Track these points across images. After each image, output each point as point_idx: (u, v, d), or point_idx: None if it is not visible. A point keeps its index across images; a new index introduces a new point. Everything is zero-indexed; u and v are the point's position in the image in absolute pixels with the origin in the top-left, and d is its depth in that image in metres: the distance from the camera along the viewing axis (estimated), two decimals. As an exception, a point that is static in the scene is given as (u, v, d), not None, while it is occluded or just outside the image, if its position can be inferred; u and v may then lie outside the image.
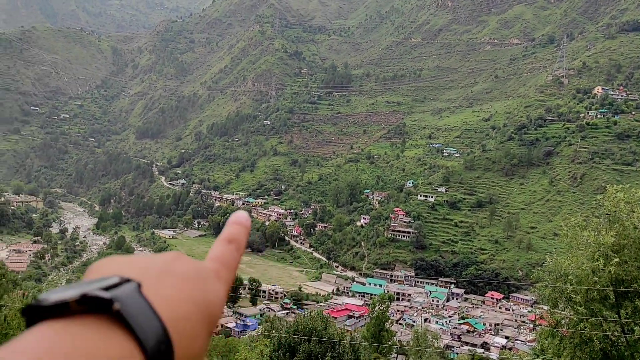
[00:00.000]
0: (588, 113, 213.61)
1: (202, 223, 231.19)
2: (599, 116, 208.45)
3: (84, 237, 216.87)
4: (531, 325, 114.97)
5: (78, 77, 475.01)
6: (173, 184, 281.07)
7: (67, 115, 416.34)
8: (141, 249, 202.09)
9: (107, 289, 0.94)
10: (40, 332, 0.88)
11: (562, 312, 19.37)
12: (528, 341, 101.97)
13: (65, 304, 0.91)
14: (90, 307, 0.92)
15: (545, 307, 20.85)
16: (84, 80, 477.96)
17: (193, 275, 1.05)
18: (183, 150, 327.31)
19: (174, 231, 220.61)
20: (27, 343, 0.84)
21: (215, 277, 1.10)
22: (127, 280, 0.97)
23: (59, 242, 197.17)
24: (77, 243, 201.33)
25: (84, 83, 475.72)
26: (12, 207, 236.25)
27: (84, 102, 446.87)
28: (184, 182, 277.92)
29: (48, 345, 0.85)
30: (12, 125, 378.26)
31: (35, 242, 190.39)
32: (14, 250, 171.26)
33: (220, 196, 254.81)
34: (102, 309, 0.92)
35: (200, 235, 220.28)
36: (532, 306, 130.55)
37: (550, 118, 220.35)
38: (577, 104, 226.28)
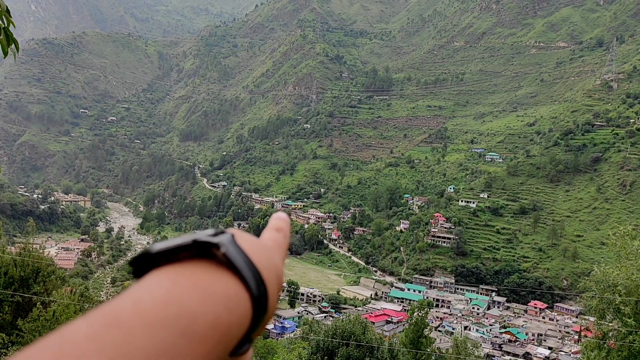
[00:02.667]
0: (639, 118, 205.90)
1: (242, 225, 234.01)
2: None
3: (129, 236, 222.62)
4: (576, 337, 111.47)
5: (125, 81, 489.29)
6: (215, 186, 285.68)
7: (115, 118, 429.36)
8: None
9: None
10: (157, 276, 0.98)
11: (610, 324, 18.78)
12: (572, 353, 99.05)
13: (173, 252, 1.02)
14: (196, 253, 1.03)
15: (592, 318, 20.26)
16: (130, 83, 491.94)
17: (260, 243, 1.19)
18: (225, 153, 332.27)
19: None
20: (146, 287, 0.93)
21: (275, 252, 1.24)
22: (222, 232, 1.09)
23: (105, 240, 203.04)
24: (122, 242, 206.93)
25: (130, 87, 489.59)
26: (62, 206, 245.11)
27: (130, 105, 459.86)
28: (225, 184, 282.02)
29: (168, 285, 0.94)
30: (63, 127, 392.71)
31: (82, 240, 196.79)
32: (63, 248, 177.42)
33: (260, 199, 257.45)
34: (207, 254, 1.04)
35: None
36: (577, 317, 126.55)
37: (598, 123, 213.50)
38: (627, 109, 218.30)
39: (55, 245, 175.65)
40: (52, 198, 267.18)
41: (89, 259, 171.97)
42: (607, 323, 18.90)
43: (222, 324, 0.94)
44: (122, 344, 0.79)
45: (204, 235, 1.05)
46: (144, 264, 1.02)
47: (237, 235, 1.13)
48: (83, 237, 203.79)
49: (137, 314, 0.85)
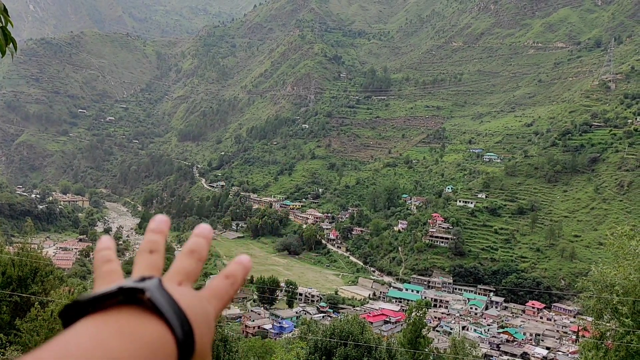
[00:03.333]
0: (636, 119, 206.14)
1: (240, 225, 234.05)
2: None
3: (127, 236, 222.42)
4: (574, 337, 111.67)
5: (124, 81, 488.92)
6: (213, 186, 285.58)
7: (113, 118, 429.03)
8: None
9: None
10: (83, 324, 1.03)
11: (607, 324, 18.83)
12: (570, 353, 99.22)
13: (100, 300, 1.08)
14: (122, 300, 1.10)
15: (589, 318, 20.30)
16: (129, 84, 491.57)
17: (193, 292, 1.26)
18: (223, 153, 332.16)
19: (213, 232, 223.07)
20: (74, 334, 0.98)
21: (207, 301, 1.28)
22: (149, 278, 1.17)
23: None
24: (120, 242, 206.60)
25: (129, 87, 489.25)
26: (60, 206, 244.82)
27: (129, 105, 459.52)
28: (224, 184, 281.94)
29: (93, 332, 0.99)
30: (61, 127, 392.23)
31: (80, 240, 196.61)
32: (61, 247, 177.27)
33: (258, 199, 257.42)
34: (132, 300, 1.10)
35: (238, 237, 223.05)
36: (575, 317, 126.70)
37: (596, 124, 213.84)
38: (625, 110, 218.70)
39: (54, 245, 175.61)
40: (50, 198, 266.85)
41: (87, 259, 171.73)
42: (604, 323, 18.94)
43: None
44: None
45: (130, 281, 1.13)
46: (73, 314, 1.07)
47: (166, 281, 1.22)
48: (81, 237, 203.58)
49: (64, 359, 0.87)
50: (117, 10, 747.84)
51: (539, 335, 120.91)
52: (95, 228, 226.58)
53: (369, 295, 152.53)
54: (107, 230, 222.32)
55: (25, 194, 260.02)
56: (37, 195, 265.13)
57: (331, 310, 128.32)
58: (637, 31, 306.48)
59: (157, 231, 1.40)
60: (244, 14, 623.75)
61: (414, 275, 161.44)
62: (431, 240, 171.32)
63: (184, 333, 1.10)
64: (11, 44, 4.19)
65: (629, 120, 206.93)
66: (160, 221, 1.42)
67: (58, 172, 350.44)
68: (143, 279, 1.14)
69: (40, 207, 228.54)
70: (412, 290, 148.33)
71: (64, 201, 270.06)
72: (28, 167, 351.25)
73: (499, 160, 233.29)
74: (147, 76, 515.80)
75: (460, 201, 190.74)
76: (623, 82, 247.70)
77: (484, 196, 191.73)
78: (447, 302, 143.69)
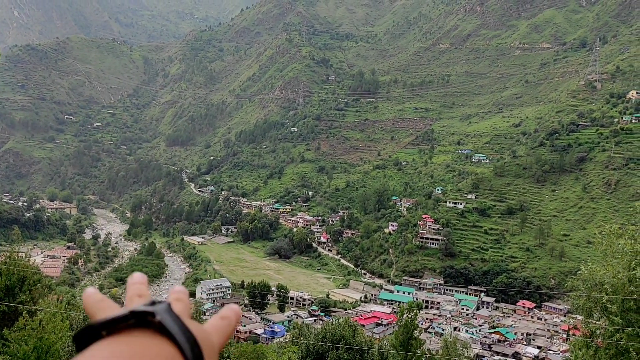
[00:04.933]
0: (622, 118, 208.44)
1: (230, 230, 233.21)
2: (633, 121, 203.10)
3: (116, 243, 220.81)
4: (564, 335, 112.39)
5: (110, 87, 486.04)
6: (202, 191, 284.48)
7: (100, 124, 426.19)
8: (171, 255, 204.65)
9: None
10: (97, 347, 1.10)
11: (597, 322, 18.91)
12: (561, 351, 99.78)
13: (112, 323, 1.16)
14: (134, 323, 1.18)
15: (579, 317, 20.37)
16: (116, 89, 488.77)
17: (199, 324, 1.35)
18: (212, 158, 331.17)
19: (203, 237, 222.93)
20: (88, 356, 1.05)
21: (212, 331, 1.41)
22: (160, 302, 1.27)
23: (92, 248, 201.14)
24: (109, 249, 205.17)
25: (116, 92, 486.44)
26: (47, 214, 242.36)
27: (116, 110, 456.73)
28: (213, 189, 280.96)
29: (106, 354, 1.06)
30: (48, 133, 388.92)
31: (69, 247, 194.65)
32: (49, 255, 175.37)
33: (248, 203, 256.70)
34: (143, 323, 1.19)
35: (228, 242, 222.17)
36: (565, 315, 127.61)
37: (583, 123, 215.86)
38: (611, 109, 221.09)
39: (41, 253, 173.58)
40: (38, 205, 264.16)
41: (76, 266, 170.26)
42: (594, 321, 19.03)
43: None
44: None
45: (141, 305, 1.22)
46: (86, 338, 1.15)
47: (175, 306, 1.33)
48: (69, 244, 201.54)
49: None
50: (103, 16, 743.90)
51: (530, 334, 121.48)
52: (84, 235, 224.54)
53: (361, 298, 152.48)
54: (95, 237, 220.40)
55: (12, 202, 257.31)
56: (24, 203, 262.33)
57: (323, 314, 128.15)
58: (622, 31, 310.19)
59: (138, 282, 1.51)
60: (231, 18, 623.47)
61: (405, 277, 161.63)
62: (421, 242, 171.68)
63: (194, 355, 1.18)
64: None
65: (615, 119, 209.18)
66: (139, 275, 1.56)
67: (45, 180, 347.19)
68: (153, 303, 1.24)
69: (28, 215, 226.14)
70: (404, 292, 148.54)
71: (51, 209, 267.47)
72: (14, 175, 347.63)
73: (487, 161, 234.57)
74: (134, 81, 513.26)
75: (449, 202, 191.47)
76: (609, 81, 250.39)
77: (473, 197, 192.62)
78: (439, 303, 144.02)
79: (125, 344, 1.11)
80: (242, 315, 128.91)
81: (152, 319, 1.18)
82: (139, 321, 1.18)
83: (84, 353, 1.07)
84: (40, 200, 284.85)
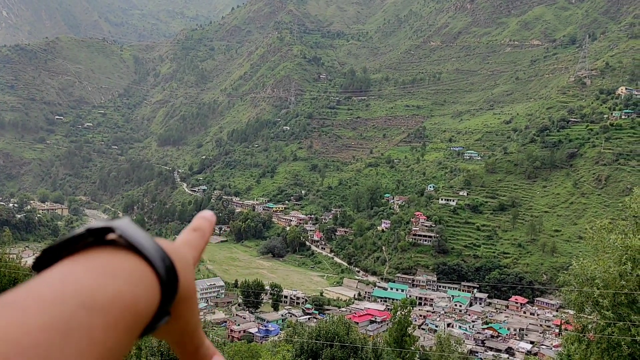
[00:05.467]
0: (612, 114, 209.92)
1: (223, 229, 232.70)
2: (623, 117, 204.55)
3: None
4: (557, 330, 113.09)
5: (101, 87, 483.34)
6: (194, 191, 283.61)
7: (91, 124, 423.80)
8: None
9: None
10: (55, 266, 0.96)
11: (589, 317, 19.06)
12: (554, 346, 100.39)
13: (70, 243, 1.00)
14: (95, 241, 1.02)
15: (571, 312, 20.52)
16: (106, 89, 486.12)
17: (169, 241, 1.15)
18: (204, 157, 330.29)
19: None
20: (43, 277, 0.90)
21: (182, 244, 1.26)
22: (119, 218, 1.14)
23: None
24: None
25: (106, 92, 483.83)
26: (38, 215, 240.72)
27: (107, 110, 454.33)
28: (205, 188, 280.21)
29: (65, 269, 0.93)
30: (38, 134, 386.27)
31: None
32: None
33: (241, 202, 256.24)
34: (106, 241, 1.03)
35: (221, 241, 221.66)
36: (557, 310, 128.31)
37: (573, 119, 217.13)
38: (601, 105, 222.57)
39: (33, 254, 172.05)
40: (29, 207, 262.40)
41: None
42: (586, 316, 19.17)
43: (126, 297, 0.93)
44: (14, 322, 0.77)
45: (100, 222, 1.05)
46: (45, 262, 1.00)
47: (186, 235, 1.27)
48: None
49: (32, 294, 0.84)
50: (92, 15, 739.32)
51: (522, 330, 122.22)
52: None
53: (354, 295, 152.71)
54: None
55: (2, 203, 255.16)
56: (15, 205, 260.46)
57: (317, 312, 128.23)
58: (611, 28, 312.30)
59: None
60: (222, 16, 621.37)
61: (399, 274, 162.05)
62: (414, 239, 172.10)
63: (166, 267, 1.04)
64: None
65: (605, 115, 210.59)
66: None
67: (36, 181, 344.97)
68: (113, 219, 1.07)
69: (19, 216, 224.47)
70: (397, 289, 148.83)
71: (42, 210, 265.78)
72: (5, 176, 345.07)
73: (479, 158, 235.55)
74: (125, 81, 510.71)
75: (442, 199, 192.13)
76: (598, 77, 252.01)
77: (465, 194, 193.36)
78: (432, 299, 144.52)
79: (84, 261, 0.97)
80: (237, 315, 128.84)
81: (112, 235, 1.03)
82: (100, 239, 1.02)
83: (38, 275, 0.92)
84: (31, 202, 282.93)
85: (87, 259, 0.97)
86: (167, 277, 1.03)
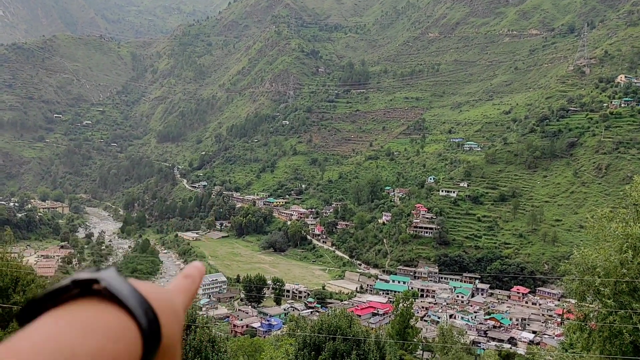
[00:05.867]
0: (611, 102, 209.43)
1: (224, 224, 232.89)
2: (622, 105, 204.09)
3: (110, 241, 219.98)
4: (559, 320, 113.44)
5: (99, 84, 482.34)
6: (195, 187, 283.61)
7: (90, 122, 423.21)
8: (165, 251, 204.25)
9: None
10: (39, 321, 0.97)
11: (591, 306, 19.08)
12: (556, 335, 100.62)
13: (55, 295, 1.02)
14: (80, 293, 1.04)
15: (573, 301, 20.54)
16: (104, 86, 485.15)
17: (158, 287, 1.22)
18: (204, 153, 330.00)
19: (197, 233, 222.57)
20: (25, 332, 0.92)
21: (173, 291, 1.30)
22: (105, 269, 1.12)
23: (86, 246, 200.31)
24: (103, 247, 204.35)
25: (105, 89, 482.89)
26: (39, 214, 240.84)
27: (105, 108, 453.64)
28: (206, 184, 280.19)
29: (47, 325, 0.94)
30: (37, 133, 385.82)
31: (62, 247, 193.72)
32: (42, 255, 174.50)
33: (241, 197, 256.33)
34: (91, 292, 1.04)
35: (223, 237, 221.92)
36: (559, 300, 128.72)
37: (572, 108, 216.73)
38: (600, 94, 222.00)
39: (35, 253, 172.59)
40: (29, 206, 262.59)
41: (70, 265, 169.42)
42: (587, 305, 19.19)
43: (107, 353, 0.93)
44: None
45: (85, 273, 1.07)
46: (30, 314, 1.01)
47: (179, 281, 1.32)
48: (63, 243, 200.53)
49: (12, 351, 0.84)
50: (89, 13, 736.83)
51: (524, 319, 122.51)
52: (77, 234, 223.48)
53: (356, 288, 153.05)
54: (89, 236, 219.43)
55: (3, 202, 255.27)
56: (16, 204, 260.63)
57: (319, 306, 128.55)
58: (609, 16, 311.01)
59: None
60: (219, 11, 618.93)
61: (400, 267, 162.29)
62: (415, 231, 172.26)
63: (148, 320, 1.04)
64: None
65: (605, 104, 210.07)
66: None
67: (36, 179, 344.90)
68: (98, 270, 1.10)
69: (20, 215, 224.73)
70: (399, 282, 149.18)
71: (43, 208, 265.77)
72: (5, 175, 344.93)
73: (479, 149, 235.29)
74: (123, 78, 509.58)
75: (442, 191, 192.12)
76: (597, 66, 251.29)
77: (465, 185, 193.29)
78: (434, 291, 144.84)
79: (67, 315, 0.98)
80: (239, 310, 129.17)
81: (98, 286, 1.04)
82: (85, 290, 1.03)
83: (21, 330, 0.94)
84: (32, 200, 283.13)
85: (71, 312, 0.98)
86: (150, 330, 1.04)
